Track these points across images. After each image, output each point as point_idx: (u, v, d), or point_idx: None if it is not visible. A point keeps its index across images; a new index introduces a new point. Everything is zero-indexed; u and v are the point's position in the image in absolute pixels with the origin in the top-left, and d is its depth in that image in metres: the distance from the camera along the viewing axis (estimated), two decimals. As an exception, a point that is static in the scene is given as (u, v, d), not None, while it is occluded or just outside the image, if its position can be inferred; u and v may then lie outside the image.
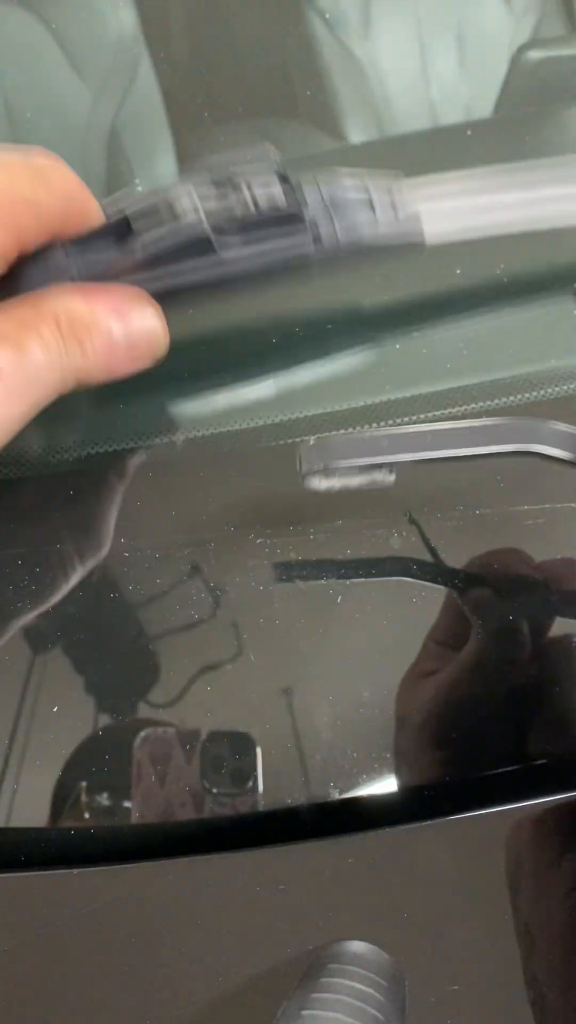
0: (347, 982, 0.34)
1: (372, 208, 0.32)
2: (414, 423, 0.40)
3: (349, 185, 0.32)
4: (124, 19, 0.53)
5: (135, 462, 0.45)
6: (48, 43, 0.51)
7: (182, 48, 0.55)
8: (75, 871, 0.38)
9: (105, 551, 0.43)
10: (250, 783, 0.39)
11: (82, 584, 0.42)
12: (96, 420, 0.47)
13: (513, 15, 0.71)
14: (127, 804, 0.39)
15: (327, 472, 0.36)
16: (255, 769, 0.39)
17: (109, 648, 0.42)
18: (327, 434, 0.37)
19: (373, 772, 0.38)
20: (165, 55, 0.54)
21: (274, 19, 0.57)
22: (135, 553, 0.43)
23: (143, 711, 0.41)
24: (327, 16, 0.64)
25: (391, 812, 0.38)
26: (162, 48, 0.54)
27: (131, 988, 0.37)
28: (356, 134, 0.60)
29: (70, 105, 0.51)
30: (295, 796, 0.39)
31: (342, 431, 0.38)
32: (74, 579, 0.42)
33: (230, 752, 0.39)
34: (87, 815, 0.39)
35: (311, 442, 0.36)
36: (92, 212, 0.28)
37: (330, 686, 0.39)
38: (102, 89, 0.52)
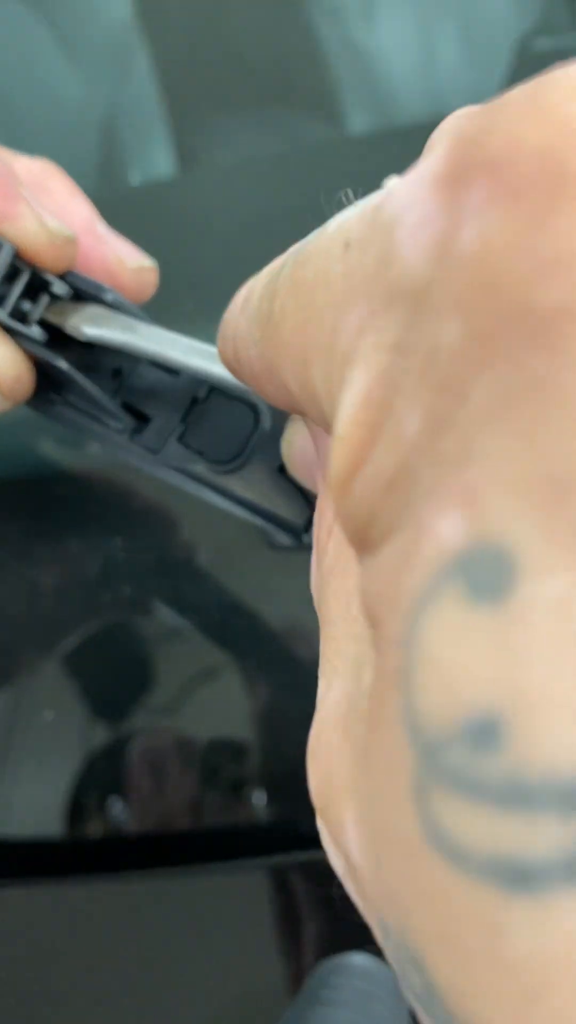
0: (349, 996, 0.33)
1: None
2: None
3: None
4: (118, 2, 0.52)
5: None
6: (37, 25, 0.50)
7: (179, 34, 0.54)
8: (67, 882, 0.37)
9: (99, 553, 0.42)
10: (246, 794, 0.38)
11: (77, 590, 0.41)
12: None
13: (520, 1, 0.70)
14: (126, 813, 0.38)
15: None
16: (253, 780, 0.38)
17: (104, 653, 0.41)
18: None
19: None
20: (161, 41, 0.53)
21: (273, 5, 0.56)
22: (131, 555, 0.42)
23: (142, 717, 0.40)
24: (328, 2, 0.63)
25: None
26: (158, 34, 0.53)
27: (129, 999, 0.36)
28: (358, 123, 0.59)
29: (61, 92, 0.50)
30: (295, 805, 0.38)
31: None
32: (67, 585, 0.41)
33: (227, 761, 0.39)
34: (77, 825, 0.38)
35: None
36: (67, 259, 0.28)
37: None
38: (95, 76, 0.51)
